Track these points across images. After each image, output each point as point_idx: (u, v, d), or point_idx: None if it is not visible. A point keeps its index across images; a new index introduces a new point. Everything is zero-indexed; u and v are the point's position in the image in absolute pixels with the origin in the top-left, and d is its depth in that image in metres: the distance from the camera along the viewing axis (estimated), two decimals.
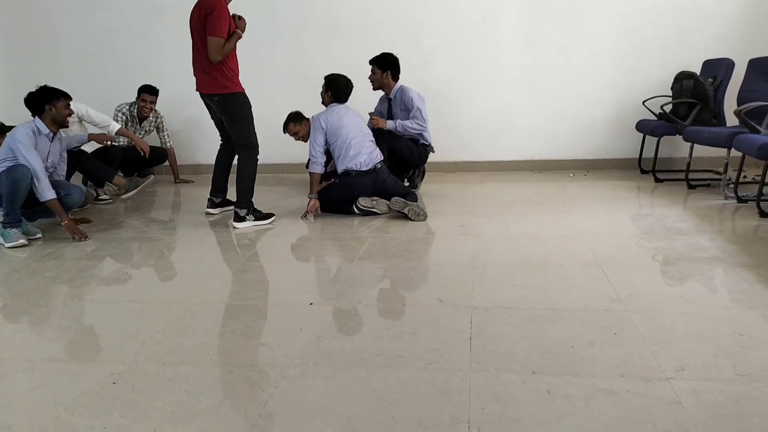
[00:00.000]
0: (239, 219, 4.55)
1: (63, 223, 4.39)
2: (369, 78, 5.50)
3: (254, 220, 4.58)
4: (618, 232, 4.17)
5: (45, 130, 4.42)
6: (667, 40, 6.10)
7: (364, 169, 4.79)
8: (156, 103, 6.11)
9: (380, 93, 5.69)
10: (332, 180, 5.19)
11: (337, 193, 4.86)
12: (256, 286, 3.41)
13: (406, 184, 5.47)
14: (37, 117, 4.43)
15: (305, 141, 5.12)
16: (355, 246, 4.04)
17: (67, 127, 4.67)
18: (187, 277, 3.66)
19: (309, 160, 4.93)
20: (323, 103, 5.03)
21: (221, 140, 4.85)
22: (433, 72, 6.40)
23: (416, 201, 4.78)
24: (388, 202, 4.73)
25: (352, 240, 4.19)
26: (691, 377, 2.17)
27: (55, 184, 4.38)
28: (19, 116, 4.82)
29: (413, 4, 6.33)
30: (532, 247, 3.85)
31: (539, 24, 6.25)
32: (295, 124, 5.12)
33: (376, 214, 4.75)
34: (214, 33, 4.20)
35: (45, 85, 4.50)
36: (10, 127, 4.80)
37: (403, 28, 6.37)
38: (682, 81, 5.59)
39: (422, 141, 5.48)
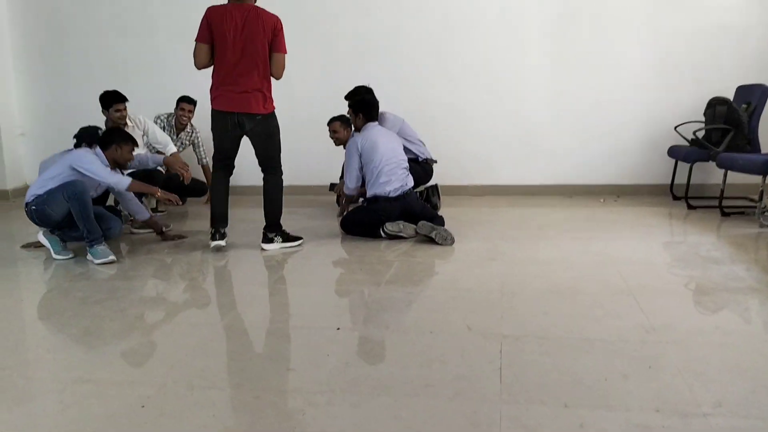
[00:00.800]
0: (268, 241, 4.53)
1: (156, 195, 4.61)
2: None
3: (282, 242, 4.56)
4: (650, 259, 4.10)
5: (105, 162, 4.50)
6: (699, 65, 6.03)
7: (392, 195, 4.79)
8: (193, 113, 6.16)
9: None
10: (361, 201, 5.20)
11: (363, 217, 4.86)
12: (283, 309, 3.41)
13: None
14: (98, 148, 4.52)
15: (337, 145, 5.47)
16: (382, 270, 4.02)
17: (126, 169, 4.74)
18: (215, 298, 3.67)
19: (340, 181, 4.92)
20: (356, 128, 5.05)
21: (221, 163, 4.45)
22: (458, 94, 6.41)
23: (443, 225, 4.76)
24: (414, 226, 4.71)
25: (378, 263, 4.18)
26: (730, 413, 2.10)
27: (97, 217, 4.44)
28: (55, 139, 4.98)
29: (439, 27, 6.36)
30: (561, 273, 3.80)
31: (566, 47, 6.23)
32: (342, 124, 5.37)
33: (402, 238, 4.74)
34: (283, 49, 4.23)
35: (118, 126, 4.78)
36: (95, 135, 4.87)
37: (429, 52, 6.39)
38: (715, 107, 5.51)
39: (421, 158, 5.47)
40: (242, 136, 4.40)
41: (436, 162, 5.65)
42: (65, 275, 4.11)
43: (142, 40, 6.85)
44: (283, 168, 4.53)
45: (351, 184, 4.96)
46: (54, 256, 4.45)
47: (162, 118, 6.15)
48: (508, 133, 6.45)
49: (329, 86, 6.29)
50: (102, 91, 5.33)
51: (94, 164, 4.36)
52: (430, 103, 6.33)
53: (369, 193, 4.88)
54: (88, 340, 3.03)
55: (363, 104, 4.96)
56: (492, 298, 3.38)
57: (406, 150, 5.31)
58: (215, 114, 4.32)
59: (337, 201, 5.27)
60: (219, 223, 4.51)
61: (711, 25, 5.98)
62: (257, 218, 4.72)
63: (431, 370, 2.51)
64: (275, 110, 4.39)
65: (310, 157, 6.57)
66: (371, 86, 5.29)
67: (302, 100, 6.56)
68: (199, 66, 4.26)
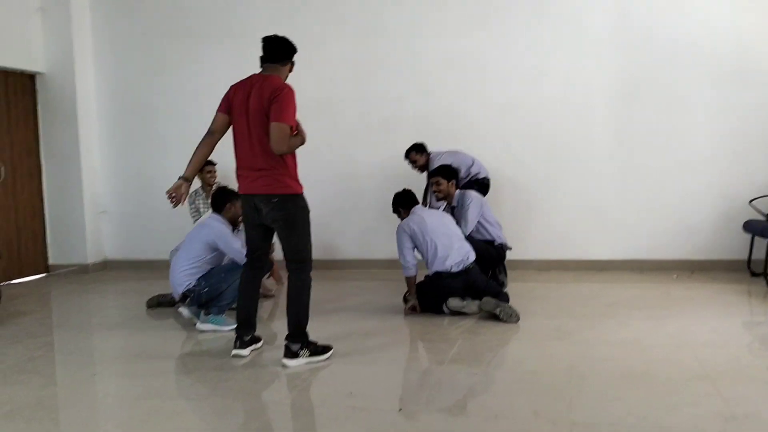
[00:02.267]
0: (291, 355, 3.71)
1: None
2: (435, 186, 5.44)
3: (309, 356, 3.74)
4: (728, 341, 3.89)
5: (226, 224, 4.76)
6: None
7: (455, 270, 4.77)
8: (216, 172, 6.22)
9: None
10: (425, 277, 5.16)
11: (426, 293, 4.84)
12: (345, 387, 3.37)
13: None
14: (215, 213, 4.79)
15: (421, 172, 6.05)
16: (445, 348, 3.97)
17: (237, 225, 4.91)
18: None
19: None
20: (446, 196, 5.34)
21: (247, 258, 3.92)
22: (523, 170, 6.42)
23: (508, 301, 4.68)
24: (478, 302, 4.66)
25: (441, 341, 4.12)
26: None
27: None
28: (133, 216, 5.22)
29: (502, 109, 6.43)
30: (634, 355, 3.65)
31: (631, 123, 6.18)
32: (417, 153, 5.98)
33: (465, 314, 4.68)
34: (281, 119, 3.49)
35: (226, 186, 5.01)
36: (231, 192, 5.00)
37: (491, 133, 6.46)
38: None
39: (498, 242, 5.40)
40: (263, 224, 3.76)
41: (510, 249, 5.57)
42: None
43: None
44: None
45: (408, 263, 4.83)
46: (222, 327, 4.50)
47: (198, 191, 6.17)
48: (576, 206, 6.37)
49: (395, 163, 6.40)
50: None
51: (232, 241, 4.60)
52: (495, 179, 6.34)
53: (431, 270, 4.86)
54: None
55: (400, 201, 5.04)
56: (559, 381, 3.26)
57: (484, 231, 5.34)
58: (240, 198, 3.87)
59: (404, 300, 5.19)
60: (241, 328, 3.90)
61: None
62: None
63: None
64: (302, 194, 3.71)
65: (375, 231, 6.64)
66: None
67: (367, 175, 6.69)
68: (210, 130, 3.74)
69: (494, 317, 4.52)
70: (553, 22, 6.29)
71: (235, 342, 3.88)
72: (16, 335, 4.61)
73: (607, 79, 6.23)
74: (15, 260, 6.88)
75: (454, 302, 4.70)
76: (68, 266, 7.25)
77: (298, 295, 3.71)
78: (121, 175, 7.44)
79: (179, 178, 3.64)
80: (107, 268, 7.45)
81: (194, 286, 4.62)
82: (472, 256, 4.87)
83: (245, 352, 3.87)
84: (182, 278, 4.66)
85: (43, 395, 3.39)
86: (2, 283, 5.88)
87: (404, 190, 5.07)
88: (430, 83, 6.59)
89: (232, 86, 3.73)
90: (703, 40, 6.00)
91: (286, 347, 3.71)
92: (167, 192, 3.62)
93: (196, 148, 3.71)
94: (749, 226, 5.69)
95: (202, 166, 5.79)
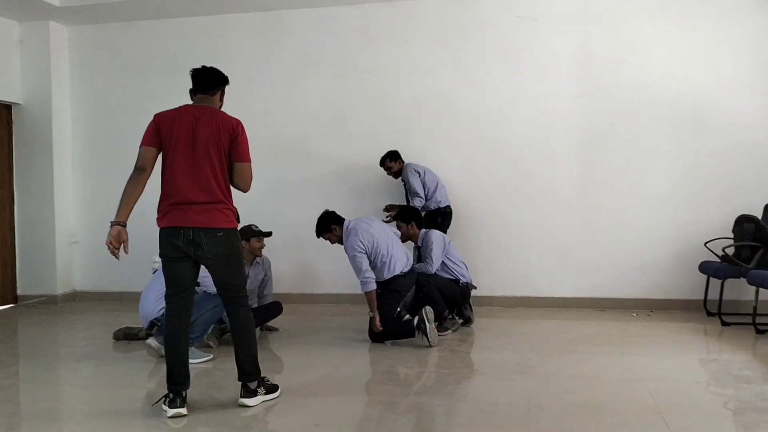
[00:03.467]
0: (250, 393, 3.62)
1: None
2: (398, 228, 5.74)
3: (265, 393, 3.68)
4: (681, 377, 4.07)
5: None
6: (726, 184, 6.15)
7: (405, 271, 5.12)
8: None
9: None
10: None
11: (387, 306, 5.01)
12: (312, 419, 3.45)
13: (460, 321, 5.50)
14: None
15: (395, 178, 6.38)
16: (411, 380, 4.09)
17: (260, 256, 5.34)
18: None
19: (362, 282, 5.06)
20: (408, 237, 5.58)
21: (176, 299, 3.55)
22: (489, 207, 6.62)
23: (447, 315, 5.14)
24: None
25: (407, 374, 4.23)
26: None
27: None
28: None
29: (470, 147, 6.66)
30: (590, 389, 3.81)
31: (594, 166, 6.43)
32: (391, 160, 6.27)
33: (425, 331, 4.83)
34: (247, 158, 3.55)
35: (251, 226, 5.24)
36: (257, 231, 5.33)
37: (460, 170, 6.67)
38: (743, 224, 5.59)
39: (462, 280, 5.58)
40: (194, 258, 3.51)
41: (475, 288, 5.77)
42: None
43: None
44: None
45: (368, 278, 4.96)
46: (192, 360, 3.97)
47: None
48: (541, 245, 6.56)
49: (366, 201, 6.57)
50: None
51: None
52: (462, 216, 6.53)
53: (385, 277, 5.07)
54: None
55: (332, 219, 5.25)
56: (519, 412, 3.40)
57: (449, 270, 5.54)
58: (162, 233, 3.52)
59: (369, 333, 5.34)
60: (178, 384, 3.52)
61: (735, 145, 6.15)
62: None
63: None
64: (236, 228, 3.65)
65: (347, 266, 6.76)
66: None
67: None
68: (140, 165, 3.48)
69: (462, 350, 4.65)
70: (520, 67, 6.56)
71: (173, 401, 3.48)
72: None
73: (570, 123, 6.50)
74: None
75: (420, 322, 4.85)
76: (37, 296, 7.22)
77: (248, 330, 3.60)
78: (94, 206, 7.45)
79: (113, 224, 3.37)
80: (76, 299, 7.42)
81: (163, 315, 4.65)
82: (411, 259, 5.32)
83: (184, 410, 3.49)
84: (152, 306, 4.71)
85: (12, 422, 3.42)
86: None
87: (326, 211, 5.31)
88: (401, 121, 6.80)
89: (158, 117, 3.56)
90: (660, 89, 6.30)
91: (244, 386, 3.60)
92: (108, 242, 3.34)
93: (127, 188, 3.45)
94: (704, 267, 5.93)
95: None
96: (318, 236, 5.31)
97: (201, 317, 4.56)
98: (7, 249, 7.19)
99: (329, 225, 5.21)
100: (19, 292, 7.28)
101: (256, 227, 5.33)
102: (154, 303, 4.73)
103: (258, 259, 5.40)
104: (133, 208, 3.46)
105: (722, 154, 6.20)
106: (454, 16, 6.66)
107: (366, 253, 5.02)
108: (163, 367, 3.55)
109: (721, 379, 4.01)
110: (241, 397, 3.61)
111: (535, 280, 6.59)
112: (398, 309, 5.14)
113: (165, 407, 3.48)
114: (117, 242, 3.36)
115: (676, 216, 6.30)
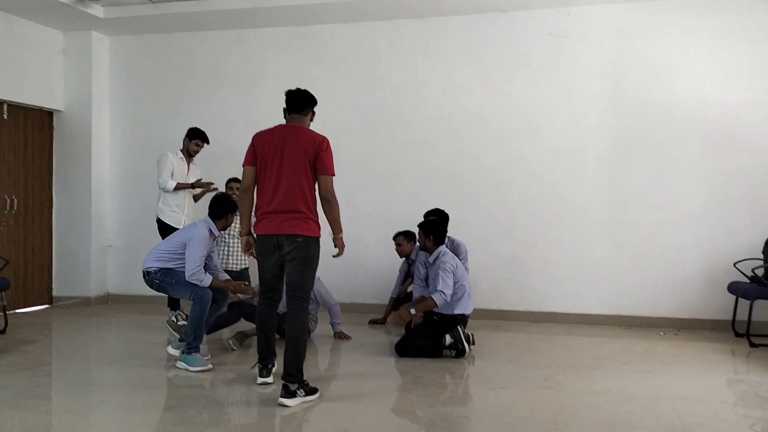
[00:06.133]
0: (290, 395, 3.81)
1: (230, 289, 4.92)
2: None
3: (304, 395, 3.88)
4: (707, 397, 4.07)
5: (216, 232, 4.93)
6: (757, 202, 6.12)
7: (468, 313, 5.18)
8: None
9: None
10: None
11: (435, 328, 5.05)
12: (341, 425, 3.52)
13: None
14: (211, 219, 4.91)
15: (401, 257, 6.16)
16: (437, 392, 4.14)
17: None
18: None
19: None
20: (426, 248, 5.34)
21: (265, 296, 4.13)
22: (517, 222, 6.66)
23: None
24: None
25: (433, 385, 4.29)
26: None
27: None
28: (137, 252, 5.43)
29: (498, 161, 6.72)
30: (616, 406, 3.83)
31: (622, 182, 6.44)
32: (405, 238, 6.06)
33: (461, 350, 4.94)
34: (331, 172, 3.93)
35: (229, 196, 5.24)
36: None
37: (489, 184, 6.73)
38: None
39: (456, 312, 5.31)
40: (283, 262, 3.98)
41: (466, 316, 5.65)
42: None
43: (224, 164, 7.46)
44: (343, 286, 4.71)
45: (449, 297, 5.01)
46: (190, 368, 4.55)
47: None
48: (567, 261, 6.58)
49: (396, 210, 6.65)
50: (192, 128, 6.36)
51: (194, 255, 4.70)
52: (490, 231, 6.58)
53: (457, 311, 5.10)
54: None
55: (435, 228, 5.28)
56: (544, 427, 3.43)
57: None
58: (257, 240, 4.03)
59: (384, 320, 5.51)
60: (266, 359, 4.19)
61: (766, 165, 6.13)
62: None
63: None
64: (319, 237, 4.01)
65: (372, 276, 6.85)
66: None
67: (368, 221, 6.92)
68: (244, 186, 4.05)
69: (489, 364, 4.70)
70: (551, 83, 6.61)
71: (261, 371, 4.17)
72: (23, 363, 4.77)
73: (600, 139, 6.53)
74: (21, 290, 7.04)
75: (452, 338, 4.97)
76: (71, 298, 7.42)
77: (301, 335, 3.93)
78: (129, 211, 7.65)
79: (241, 235, 4.14)
80: (109, 301, 7.61)
81: (154, 271, 4.84)
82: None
83: (270, 379, 4.17)
84: (151, 260, 4.88)
85: (52, 420, 3.55)
86: (9, 312, 6.03)
87: (441, 218, 5.37)
88: (432, 135, 6.89)
89: (255, 137, 4.02)
90: (690, 106, 6.30)
91: (285, 387, 3.81)
92: (243, 251, 4.13)
93: (240, 206, 4.15)
94: (733, 288, 5.90)
95: (227, 185, 6.37)
96: (395, 237, 6.02)
97: (190, 318, 4.68)
98: (44, 251, 7.40)
99: (429, 232, 5.27)
100: (54, 293, 7.48)
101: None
102: (152, 258, 4.89)
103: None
104: (250, 218, 4.09)
105: (752, 173, 6.17)
106: (485, 32, 6.75)
107: (452, 271, 5.07)
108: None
109: (748, 400, 4.00)
110: (281, 397, 3.82)
111: (561, 296, 6.60)
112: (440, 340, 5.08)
113: (257, 376, 4.17)
114: (246, 247, 4.10)
115: (705, 235, 6.28)
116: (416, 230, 5.59)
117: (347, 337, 5.60)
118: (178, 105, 7.50)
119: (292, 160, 3.86)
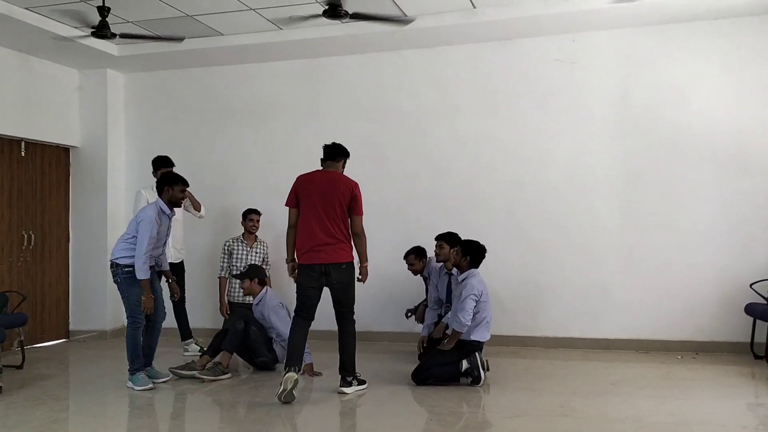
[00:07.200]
0: (347, 384, 4.82)
1: (143, 298, 5.08)
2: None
3: (357, 385, 4.87)
4: (727, 422, 4.01)
5: (167, 211, 5.16)
6: None
7: (485, 340, 5.16)
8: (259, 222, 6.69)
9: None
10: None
11: (452, 356, 5.02)
12: None
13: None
14: (159, 198, 5.18)
15: (415, 275, 6.18)
16: (452, 421, 4.11)
17: (180, 207, 5.51)
18: None
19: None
20: (456, 264, 5.34)
21: (303, 314, 4.79)
22: (530, 247, 6.65)
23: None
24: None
25: (449, 414, 4.27)
26: None
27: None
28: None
29: (509, 185, 6.74)
30: None
31: (636, 206, 6.43)
32: (417, 257, 6.08)
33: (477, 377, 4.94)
34: (361, 213, 4.82)
35: (170, 172, 5.58)
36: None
37: (500, 210, 6.74)
38: None
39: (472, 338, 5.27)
40: (323, 287, 4.79)
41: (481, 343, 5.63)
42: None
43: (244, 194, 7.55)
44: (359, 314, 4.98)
45: (468, 322, 5.03)
46: (135, 387, 4.97)
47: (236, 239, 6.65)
48: (582, 286, 6.54)
49: (408, 235, 6.66)
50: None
51: (143, 243, 4.95)
52: (503, 258, 6.57)
53: (473, 337, 5.07)
54: None
55: (475, 251, 5.27)
56: None
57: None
58: (301, 268, 4.78)
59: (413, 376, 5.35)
60: (294, 363, 4.66)
61: None
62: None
63: None
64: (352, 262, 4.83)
65: (384, 304, 6.85)
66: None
67: (380, 247, 6.94)
68: (291, 224, 4.83)
69: (502, 393, 4.67)
70: (560, 108, 6.65)
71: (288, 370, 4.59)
72: (40, 397, 4.81)
73: (610, 163, 6.53)
74: (38, 325, 7.12)
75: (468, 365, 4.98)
76: (88, 332, 7.48)
77: (353, 338, 4.87)
78: None
79: (288, 262, 4.88)
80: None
81: (116, 266, 5.14)
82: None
83: (296, 375, 4.56)
84: (118, 249, 5.17)
85: None
86: (26, 347, 6.08)
87: (482, 250, 5.33)
88: (443, 162, 6.94)
89: (296, 181, 4.83)
90: (702, 128, 6.29)
91: (343, 378, 4.82)
92: (289, 274, 4.89)
93: (287, 239, 4.87)
94: (750, 309, 5.84)
95: (247, 215, 6.59)
96: (406, 256, 6.15)
97: (127, 347, 5.05)
98: (61, 286, 7.49)
99: (467, 254, 5.28)
100: (71, 327, 7.55)
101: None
102: (118, 247, 5.18)
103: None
104: (294, 248, 4.83)
105: (766, 194, 6.14)
106: (492, 60, 6.82)
107: (477, 297, 5.07)
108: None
109: None
110: (340, 386, 4.79)
111: (576, 321, 6.56)
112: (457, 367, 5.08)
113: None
114: (291, 271, 4.86)
115: (721, 256, 6.23)
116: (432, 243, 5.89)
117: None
118: (192, 138, 7.62)
119: (331, 201, 4.69)
